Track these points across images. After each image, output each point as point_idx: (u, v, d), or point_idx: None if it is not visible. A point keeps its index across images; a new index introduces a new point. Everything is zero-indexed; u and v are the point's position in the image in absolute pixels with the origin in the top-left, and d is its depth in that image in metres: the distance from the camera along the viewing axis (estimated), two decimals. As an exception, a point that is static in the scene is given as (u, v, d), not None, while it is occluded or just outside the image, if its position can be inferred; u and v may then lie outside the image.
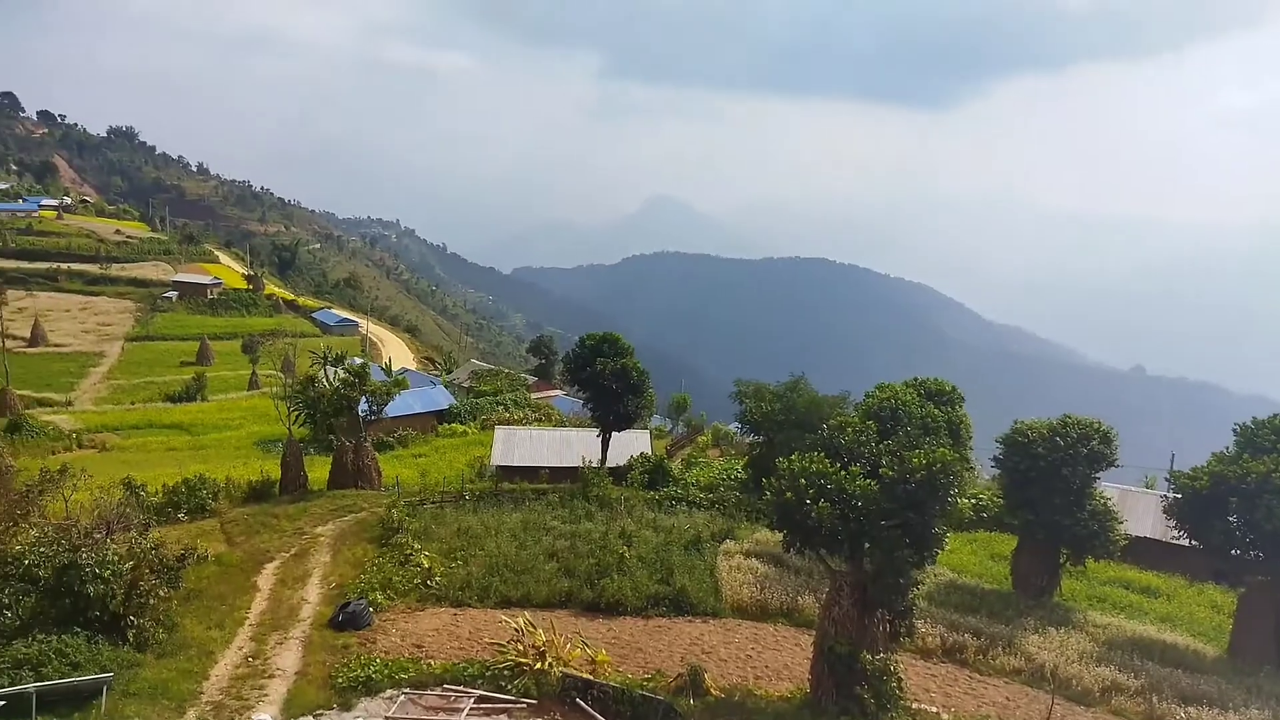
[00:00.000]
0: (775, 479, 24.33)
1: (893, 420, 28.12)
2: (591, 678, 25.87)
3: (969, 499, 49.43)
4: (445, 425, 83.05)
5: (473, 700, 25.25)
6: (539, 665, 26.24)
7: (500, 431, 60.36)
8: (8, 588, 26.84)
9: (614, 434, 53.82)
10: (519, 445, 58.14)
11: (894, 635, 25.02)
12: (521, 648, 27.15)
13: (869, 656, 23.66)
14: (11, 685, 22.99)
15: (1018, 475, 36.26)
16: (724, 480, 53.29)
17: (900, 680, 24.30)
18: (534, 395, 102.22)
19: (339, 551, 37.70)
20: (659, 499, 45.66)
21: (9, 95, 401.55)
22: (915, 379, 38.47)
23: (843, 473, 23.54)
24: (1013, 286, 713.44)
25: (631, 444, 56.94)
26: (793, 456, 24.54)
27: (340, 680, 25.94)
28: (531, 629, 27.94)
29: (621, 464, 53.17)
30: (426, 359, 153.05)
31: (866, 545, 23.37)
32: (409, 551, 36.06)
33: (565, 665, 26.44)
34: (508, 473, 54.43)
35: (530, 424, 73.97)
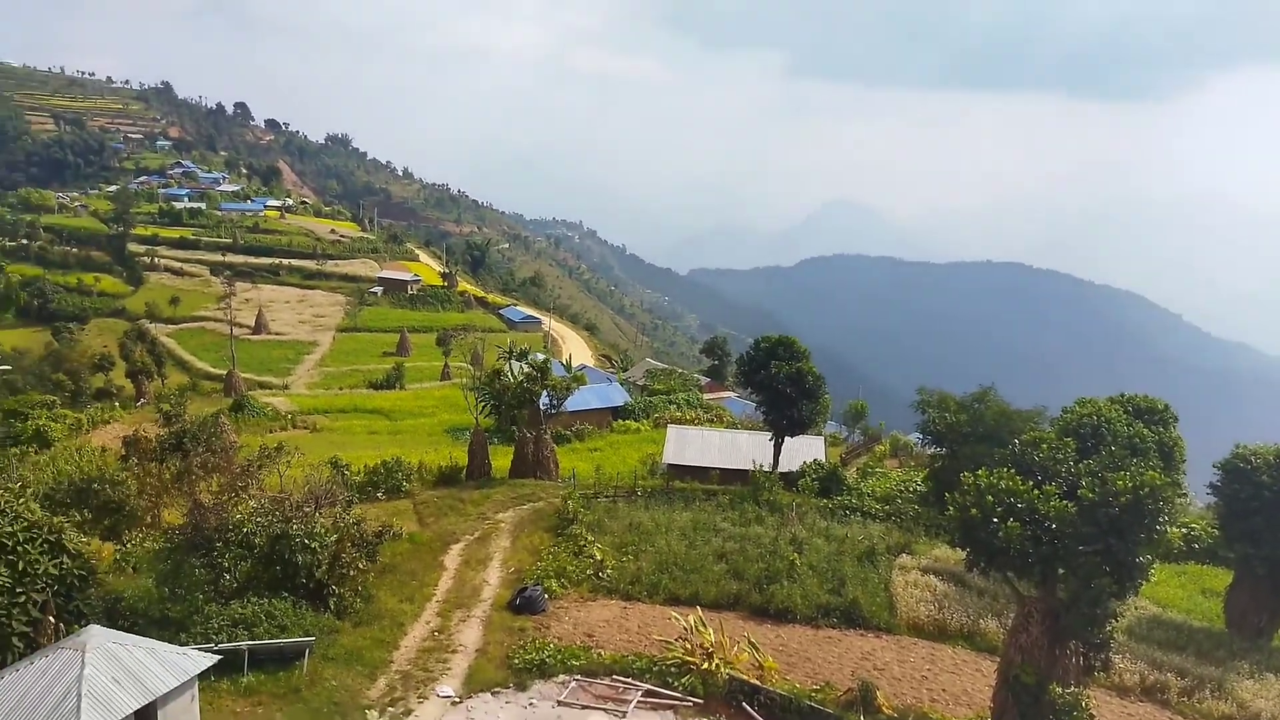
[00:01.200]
0: (959, 494, 23.13)
1: (1094, 438, 26.10)
2: (758, 683, 25.58)
3: (1179, 528, 45.17)
4: (620, 421, 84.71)
5: (640, 693, 25.58)
6: (706, 665, 26.24)
7: (673, 430, 60.87)
8: (229, 553, 29.75)
9: (786, 439, 53.02)
10: (690, 445, 58.39)
11: (1087, 669, 23.20)
12: (689, 646, 27.23)
13: (1058, 689, 22.03)
14: (229, 642, 25.47)
15: (1238, 504, 32.85)
16: (902, 492, 51.29)
17: (1092, 717, 22.50)
18: (706, 396, 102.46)
19: (518, 538, 39.26)
20: (831, 507, 44.57)
21: (241, 105, 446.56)
22: (1121, 395, 35.61)
23: (1035, 492, 22.06)
24: (1234, 298, 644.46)
25: (804, 449, 55.89)
26: (979, 471, 23.24)
27: (516, 661, 26.99)
28: (700, 628, 27.97)
29: (793, 469, 52.30)
30: (604, 356, 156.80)
31: (1060, 571, 21.80)
32: (583, 543, 37.03)
33: (732, 667, 26.29)
34: (679, 471, 54.80)
35: (702, 424, 74.16)
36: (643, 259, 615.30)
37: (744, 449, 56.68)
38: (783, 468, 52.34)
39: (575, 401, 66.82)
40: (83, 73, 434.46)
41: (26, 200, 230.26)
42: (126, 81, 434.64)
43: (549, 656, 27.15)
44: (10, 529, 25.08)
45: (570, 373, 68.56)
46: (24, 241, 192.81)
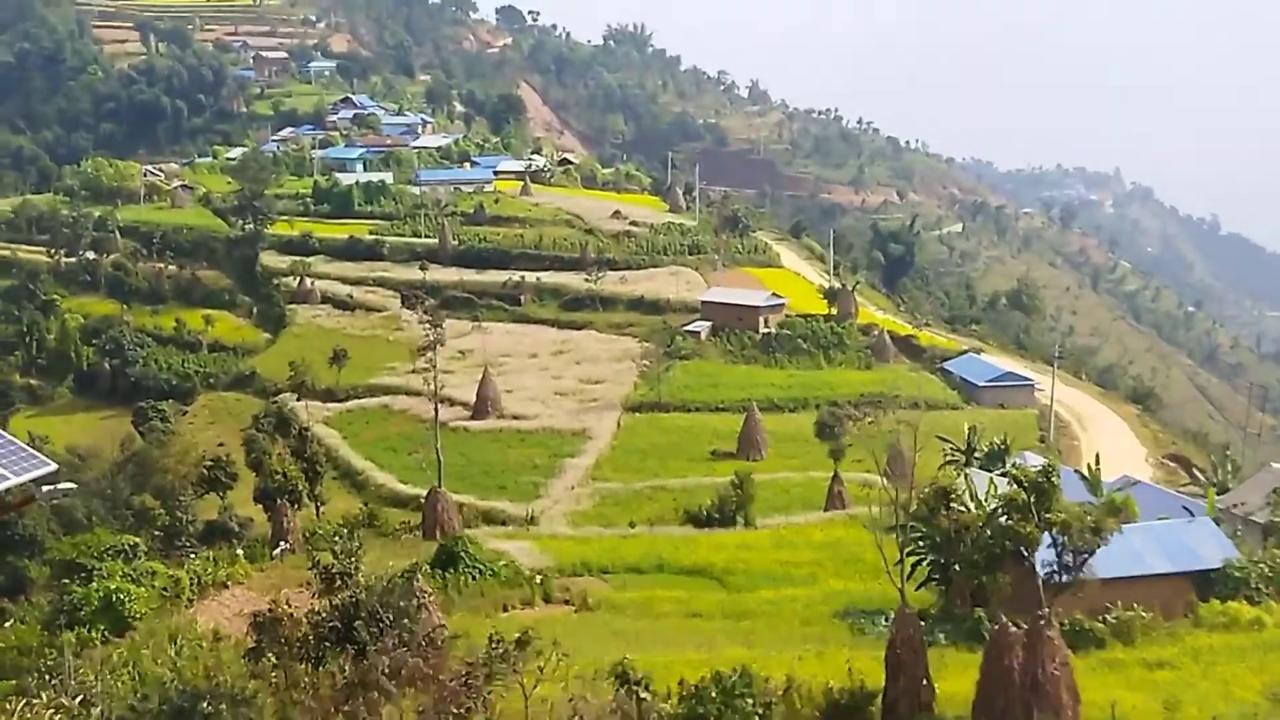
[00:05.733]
0: None
1: None
2: None
3: None
4: (1213, 603, 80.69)
5: None
6: None
7: (1342, 627, 57.05)
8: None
9: None
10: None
11: None
12: None
13: None
14: None
15: None
16: None
17: None
18: None
19: None
20: None
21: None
22: None
23: None
24: None
25: None
26: None
27: None
28: None
29: None
30: (1172, 459, 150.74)
31: None
32: None
33: None
34: (1358, 720, 51.07)
35: None
36: (1261, 246, 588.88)
37: None
38: None
39: (1115, 560, 64.72)
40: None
41: (95, 180, 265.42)
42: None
43: None
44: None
45: (1102, 496, 66.27)
46: (90, 257, 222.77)
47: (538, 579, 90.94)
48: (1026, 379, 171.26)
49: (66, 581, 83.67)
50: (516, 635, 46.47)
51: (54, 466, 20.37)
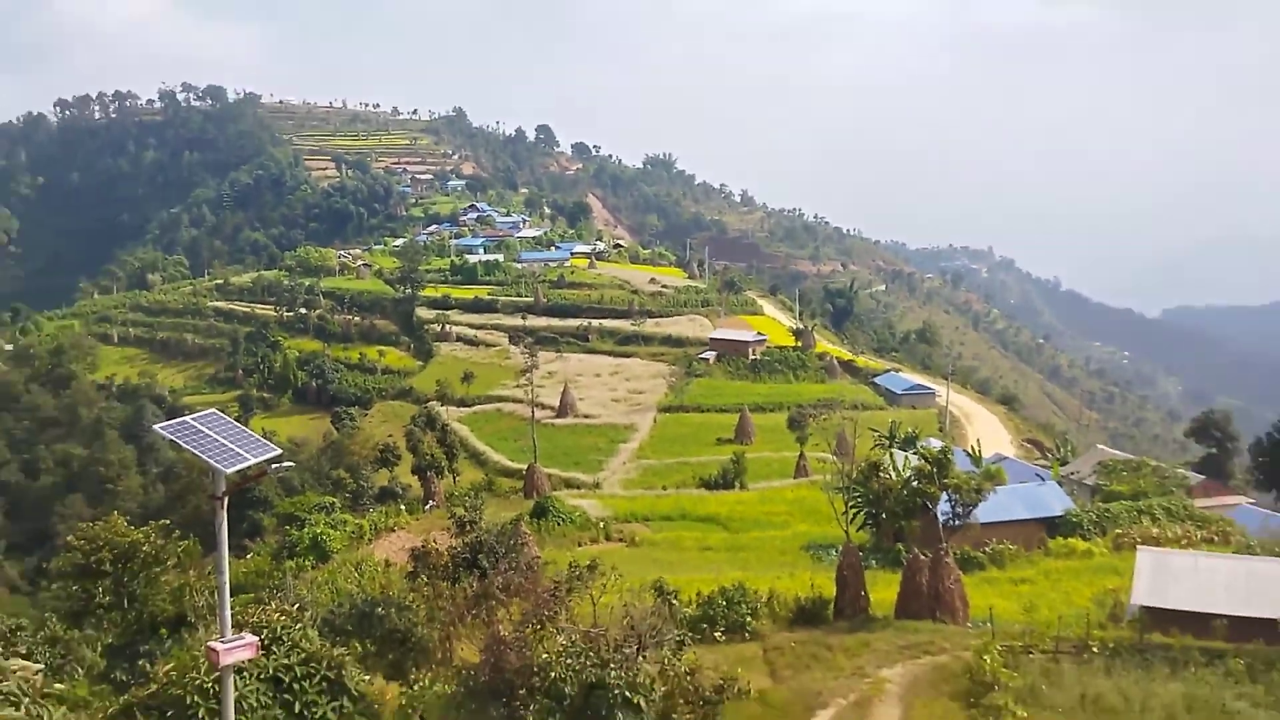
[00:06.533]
0: None
1: None
2: None
3: None
4: (1058, 539, 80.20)
5: None
6: None
7: (1146, 556, 56.28)
8: (533, 703, 31.84)
9: (1342, 571, 46.91)
10: (1177, 579, 53.54)
11: None
12: None
13: None
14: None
15: None
16: None
17: None
18: (1199, 502, 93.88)
19: (911, 706, 38.23)
20: None
21: (544, 129, 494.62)
22: None
23: None
24: None
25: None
26: None
27: None
28: None
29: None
30: (1029, 442, 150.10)
31: None
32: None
33: None
34: (1158, 618, 50.35)
35: (1196, 546, 67.95)
36: (1088, 298, 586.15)
37: (1271, 587, 50.96)
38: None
39: (990, 510, 64.31)
40: (367, 105, 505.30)
41: (305, 260, 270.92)
42: (414, 111, 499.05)
43: None
44: (287, 661, 28.83)
45: (981, 467, 66.27)
46: (303, 311, 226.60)
47: (600, 524, 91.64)
48: (929, 389, 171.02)
49: (287, 527, 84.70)
50: (586, 562, 46.59)
51: (279, 451, 20.51)
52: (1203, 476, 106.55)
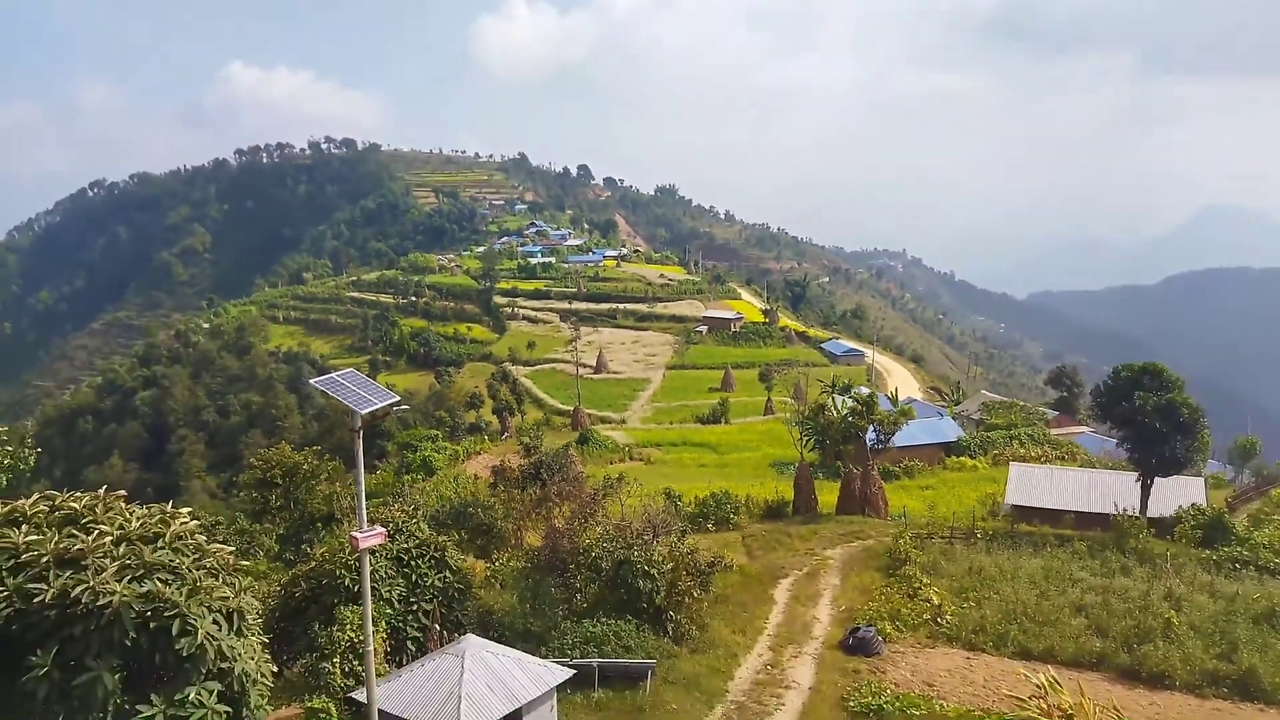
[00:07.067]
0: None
1: None
2: (1131, 757, 22.53)
3: None
4: (953, 458, 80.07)
5: (988, 753, 23.66)
6: (1065, 730, 23.58)
7: (1015, 468, 56.26)
8: (580, 575, 32.23)
9: (1156, 479, 46.67)
10: (1037, 484, 53.51)
11: None
12: (1045, 706, 24.65)
13: None
14: (581, 658, 27.48)
15: None
16: (1312, 545, 42.77)
17: None
18: (1054, 431, 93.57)
19: (847, 576, 38.35)
20: (1217, 559, 38.39)
21: (584, 167, 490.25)
22: None
23: None
24: None
25: (1179, 492, 48.82)
26: None
27: (852, 704, 26.23)
28: (1055, 687, 25.29)
29: (1165, 515, 45.89)
30: (933, 389, 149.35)
31: None
32: (917, 585, 35.27)
33: (1097, 736, 23.37)
34: (1024, 514, 50.37)
35: (1051, 462, 67.71)
36: (974, 285, 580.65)
37: (1103, 490, 50.82)
38: (1152, 512, 46.10)
39: (904, 436, 64.24)
40: (456, 151, 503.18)
41: (414, 263, 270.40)
42: (490, 155, 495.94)
43: (886, 703, 26.05)
44: (406, 545, 29.24)
45: (897, 406, 66.14)
46: (413, 299, 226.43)
47: (626, 449, 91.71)
48: (860, 351, 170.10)
49: (404, 452, 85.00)
50: (616, 476, 46.82)
51: (398, 398, 20.59)
52: (1057, 413, 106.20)
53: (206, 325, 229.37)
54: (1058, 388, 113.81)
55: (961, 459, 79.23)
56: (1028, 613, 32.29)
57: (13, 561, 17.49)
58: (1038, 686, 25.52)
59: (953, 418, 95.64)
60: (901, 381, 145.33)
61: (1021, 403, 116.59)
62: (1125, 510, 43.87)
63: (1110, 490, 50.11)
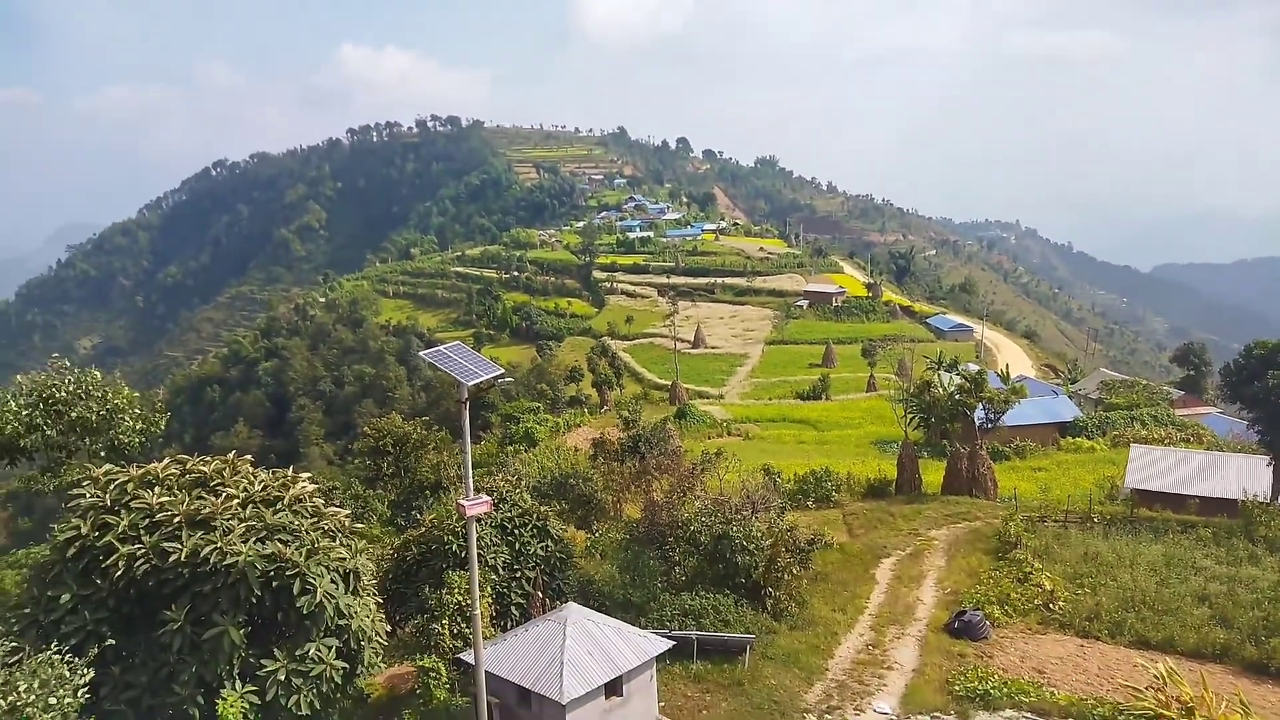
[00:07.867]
0: None
1: None
2: (1260, 757, 21.32)
3: None
4: (1068, 439, 76.72)
5: (1101, 745, 22.79)
6: (1185, 724, 22.49)
7: (1136, 450, 53.51)
8: (678, 548, 32.42)
9: (1293, 464, 43.65)
10: (1159, 467, 50.79)
11: None
12: (1163, 698, 23.58)
13: None
14: (680, 630, 27.70)
15: None
16: None
17: None
18: (1178, 412, 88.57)
19: (953, 558, 37.37)
20: (1363, 552, 35.73)
21: (683, 140, 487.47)
22: None
23: None
24: None
25: (1318, 479, 45.50)
26: None
27: (957, 688, 25.66)
28: (1175, 678, 24.10)
29: (1303, 502, 42.92)
30: (1047, 367, 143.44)
31: None
32: (1028, 569, 34.08)
33: (1221, 732, 22.20)
34: (1144, 498, 47.91)
35: (1175, 444, 64.17)
36: (1094, 257, 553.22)
37: (1232, 475, 47.88)
38: (1288, 499, 43.23)
39: (1015, 416, 62.02)
40: (557, 126, 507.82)
41: (516, 239, 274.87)
42: (590, 130, 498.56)
43: (993, 688, 25.37)
44: (510, 514, 29.99)
45: (1008, 384, 63.71)
46: (515, 274, 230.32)
47: (724, 424, 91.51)
48: (969, 327, 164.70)
49: (508, 423, 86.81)
50: (714, 451, 46.74)
51: (501, 370, 21.02)
52: (1182, 392, 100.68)
53: (322, 299, 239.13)
54: (1183, 366, 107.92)
55: (1078, 440, 75.87)
56: (1146, 601, 30.85)
57: (148, 521, 18.81)
58: (1156, 677, 24.39)
59: (1069, 397, 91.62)
60: (1013, 358, 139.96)
61: (1144, 381, 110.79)
62: (1255, 496, 41.31)
63: (1239, 474, 47.25)
